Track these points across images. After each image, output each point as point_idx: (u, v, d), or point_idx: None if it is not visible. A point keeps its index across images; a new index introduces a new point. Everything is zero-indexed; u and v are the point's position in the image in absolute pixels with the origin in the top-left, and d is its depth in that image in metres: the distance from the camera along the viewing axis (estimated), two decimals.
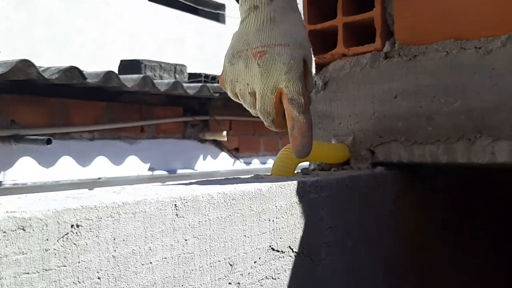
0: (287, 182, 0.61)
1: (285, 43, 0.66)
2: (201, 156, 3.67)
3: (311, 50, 0.71)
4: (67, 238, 0.39)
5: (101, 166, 2.95)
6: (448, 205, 1.01)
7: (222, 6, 8.22)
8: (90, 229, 0.41)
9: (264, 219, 0.58)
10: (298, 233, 0.63)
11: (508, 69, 0.72)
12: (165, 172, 3.27)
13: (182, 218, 0.48)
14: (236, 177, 0.77)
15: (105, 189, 0.57)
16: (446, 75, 0.78)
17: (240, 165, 3.94)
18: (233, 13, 8.19)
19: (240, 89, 0.70)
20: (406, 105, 0.83)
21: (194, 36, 7.65)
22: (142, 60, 3.26)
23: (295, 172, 0.78)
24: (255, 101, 0.70)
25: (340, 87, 0.91)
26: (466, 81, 0.76)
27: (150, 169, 3.22)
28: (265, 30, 0.66)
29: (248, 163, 4.03)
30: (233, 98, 0.74)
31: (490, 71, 0.74)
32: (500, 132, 0.73)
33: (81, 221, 0.40)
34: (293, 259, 0.62)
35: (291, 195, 0.62)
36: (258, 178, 0.73)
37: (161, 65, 3.44)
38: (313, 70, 0.74)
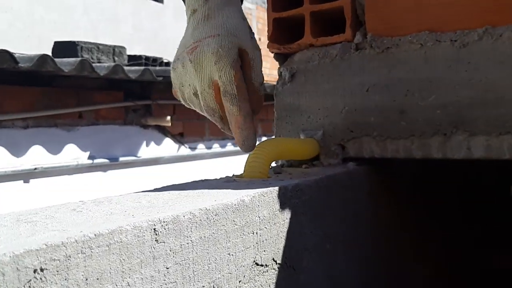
0: (268, 189, 0.56)
1: (215, 34, 0.65)
2: (144, 143, 3.54)
3: (252, 39, 0.69)
4: (29, 287, 0.32)
5: (36, 156, 2.76)
6: (416, 199, 1.00)
7: None
8: (57, 271, 0.33)
9: (248, 233, 0.52)
10: (281, 243, 0.58)
11: (485, 64, 0.70)
12: (106, 160, 3.12)
13: (163, 244, 0.42)
14: (204, 180, 0.71)
15: (58, 206, 0.49)
16: (420, 69, 0.76)
17: (185, 150, 3.85)
18: None
19: (187, 93, 0.69)
20: (379, 99, 0.80)
21: (130, 16, 7.34)
22: (78, 41, 3.05)
23: None
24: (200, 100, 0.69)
25: (309, 79, 0.87)
26: (442, 75, 0.74)
27: (90, 157, 3.06)
28: (199, 28, 0.67)
29: (193, 148, 3.94)
30: (187, 106, 0.73)
31: (467, 65, 0.72)
32: (476, 127, 0.71)
33: (46, 263, 0.33)
34: (277, 272, 0.57)
35: (273, 203, 0.57)
36: (229, 181, 0.68)
37: (98, 47, 3.24)
38: (259, 61, 0.70)
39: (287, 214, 0.59)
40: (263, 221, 0.55)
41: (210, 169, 4.03)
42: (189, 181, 0.70)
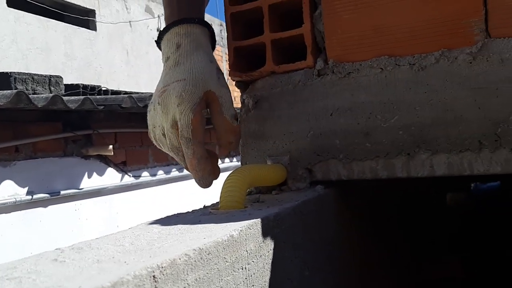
0: (253, 221, 0.55)
1: (181, 78, 0.70)
2: (86, 174, 3.40)
3: (220, 79, 0.74)
4: None
5: None
6: (382, 216, 1.03)
7: (91, 12, 7.75)
8: None
9: (238, 269, 0.51)
10: (267, 275, 0.57)
11: (442, 85, 0.74)
12: (46, 195, 2.96)
13: None
14: (178, 213, 0.69)
15: (35, 257, 0.46)
16: (382, 92, 0.78)
17: (129, 179, 3.73)
18: (104, 18, 7.79)
19: (158, 134, 0.73)
20: (343, 122, 0.82)
21: (62, 44, 7.10)
22: (11, 72, 2.90)
23: None
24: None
25: (273, 105, 0.87)
26: (402, 97, 0.77)
27: (29, 192, 2.89)
28: (169, 73, 0.72)
29: (137, 177, 3.83)
30: (158, 148, 0.76)
31: (425, 87, 0.75)
32: (438, 146, 0.75)
33: None
34: None
35: (259, 235, 0.56)
36: (206, 214, 0.66)
37: (33, 78, 3.10)
38: (229, 96, 0.76)
39: (271, 245, 0.59)
40: (250, 255, 0.54)
41: (156, 197, 3.94)
42: (162, 216, 0.67)
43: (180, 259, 0.42)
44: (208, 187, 0.74)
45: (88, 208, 3.32)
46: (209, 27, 0.79)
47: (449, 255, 1.89)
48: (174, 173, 4.17)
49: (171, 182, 4.13)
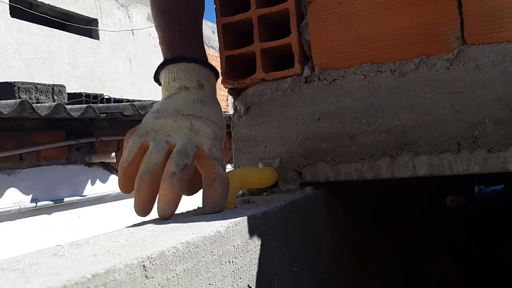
0: (240, 218, 0.59)
1: (214, 120, 0.72)
2: (89, 181, 3.45)
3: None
4: None
5: None
6: (369, 216, 1.07)
7: (94, 21, 7.84)
8: None
9: (225, 262, 0.55)
10: (254, 270, 0.61)
11: (422, 90, 0.78)
12: (50, 202, 3.01)
13: (152, 279, 0.44)
14: (174, 214, 0.73)
15: (37, 253, 0.50)
16: (365, 97, 0.83)
17: None
18: (107, 27, 7.87)
19: (155, 138, 0.68)
20: (330, 126, 0.86)
21: (65, 53, 7.19)
22: (15, 82, 2.96)
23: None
24: (169, 148, 0.67)
25: (263, 111, 0.92)
26: (385, 102, 0.81)
27: (33, 200, 2.94)
28: (196, 105, 0.72)
29: None
30: (129, 147, 0.69)
31: (406, 92, 0.79)
32: (419, 148, 0.79)
33: None
34: None
35: (246, 232, 0.60)
36: (198, 214, 0.70)
37: (36, 87, 3.16)
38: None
39: (258, 241, 0.63)
40: (237, 250, 0.58)
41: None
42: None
43: (168, 251, 0.46)
44: (220, 209, 0.67)
45: (91, 215, 3.37)
46: (217, 76, 0.80)
47: (444, 256, 1.92)
48: None
49: None
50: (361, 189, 1.08)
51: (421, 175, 0.79)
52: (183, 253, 0.48)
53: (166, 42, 0.78)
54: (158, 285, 0.44)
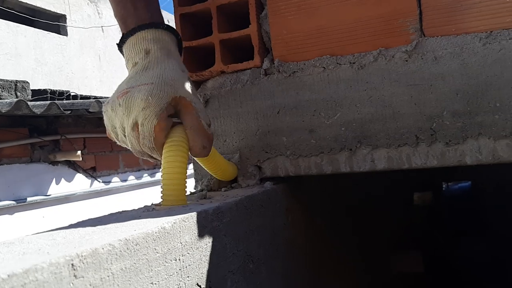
0: (189, 214, 0.57)
1: (149, 82, 0.67)
2: (54, 180, 3.35)
3: (192, 88, 0.71)
4: None
5: None
6: (330, 210, 1.05)
7: (62, 17, 7.66)
8: None
9: (171, 260, 0.52)
10: (205, 267, 0.58)
11: (381, 82, 0.77)
12: (13, 202, 2.91)
13: (82, 279, 0.40)
14: (122, 211, 0.70)
15: None
16: (324, 90, 0.81)
17: (98, 185, 3.69)
18: (75, 23, 7.69)
19: (120, 134, 0.70)
20: (289, 119, 0.84)
21: (32, 49, 7.00)
22: None
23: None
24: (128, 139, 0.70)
25: (222, 104, 0.89)
26: (344, 94, 0.79)
27: None
28: (136, 77, 0.69)
29: (107, 182, 3.79)
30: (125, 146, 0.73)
31: (365, 85, 0.78)
32: (378, 141, 0.77)
33: None
34: None
35: (195, 228, 0.57)
36: (149, 210, 0.67)
37: None
38: (202, 106, 0.73)
39: (209, 238, 0.60)
40: (185, 247, 0.55)
41: (126, 203, 3.90)
42: (105, 214, 0.68)
43: (103, 248, 0.43)
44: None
45: (56, 215, 3.27)
46: (177, 35, 0.75)
47: (410, 251, 1.93)
48: (145, 178, 4.14)
49: (142, 188, 4.10)
50: (325, 183, 1.07)
51: (380, 169, 0.78)
52: (121, 251, 0.45)
53: (120, 15, 0.75)
54: (90, 285, 0.41)
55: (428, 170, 0.77)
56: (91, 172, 3.70)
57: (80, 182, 3.53)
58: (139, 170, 4.08)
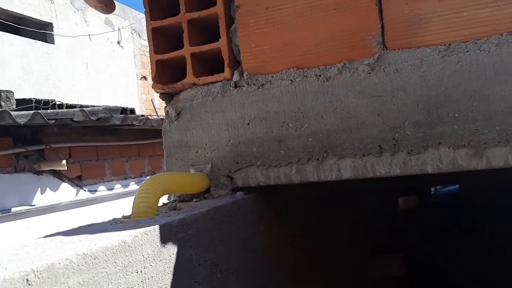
0: (152, 227, 0.58)
1: None
2: (39, 190, 3.33)
3: None
4: None
5: None
6: (303, 218, 1.07)
7: (49, 25, 7.64)
8: None
9: (132, 272, 0.53)
10: (168, 278, 0.60)
11: (345, 94, 0.79)
12: None
13: None
14: (91, 224, 0.71)
15: None
16: (292, 102, 0.83)
17: (84, 194, 3.68)
18: (63, 31, 7.68)
19: None
20: (259, 131, 0.86)
21: (19, 58, 6.97)
22: None
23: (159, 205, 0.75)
24: None
25: (194, 116, 0.90)
26: (310, 106, 0.81)
27: None
28: None
29: (93, 191, 3.78)
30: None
31: (330, 96, 0.80)
32: (344, 151, 0.79)
33: None
34: None
35: (157, 240, 0.58)
36: (116, 223, 0.68)
37: None
38: None
39: (173, 249, 0.61)
40: (147, 259, 0.56)
41: (112, 211, 3.89)
42: (75, 227, 0.69)
43: (59, 263, 0.44)
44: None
45: (41, 225, 3.25)
46: None
47: (394, 255, 1.95)
48: (132, 186, 4.13)
49: (129, 196, 4.09)
50: (302, 191, 1.09)
51: (345, 177, 0.80)
52: (78, 265, 0.46)
53: None
54: None
55: (417, 176, 0.78)
56: (77, 181, 3.68)
57: (66, 192, 3.51)
58: (125, 179, 4.07)
